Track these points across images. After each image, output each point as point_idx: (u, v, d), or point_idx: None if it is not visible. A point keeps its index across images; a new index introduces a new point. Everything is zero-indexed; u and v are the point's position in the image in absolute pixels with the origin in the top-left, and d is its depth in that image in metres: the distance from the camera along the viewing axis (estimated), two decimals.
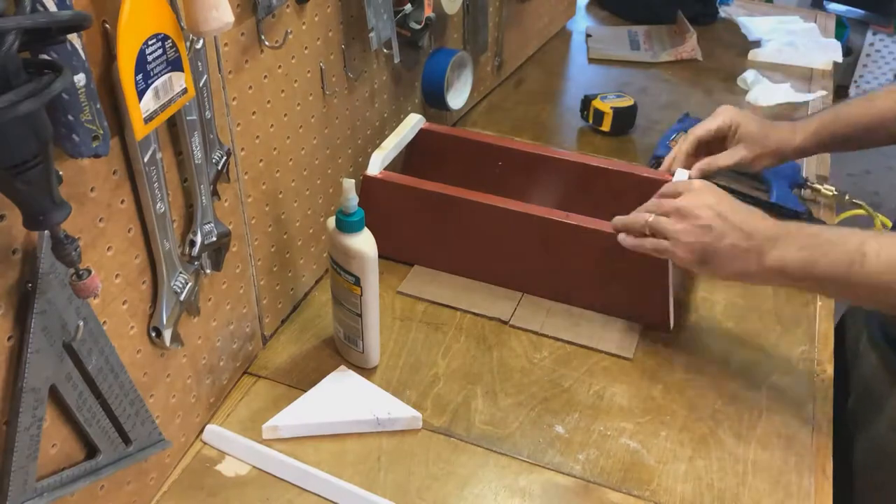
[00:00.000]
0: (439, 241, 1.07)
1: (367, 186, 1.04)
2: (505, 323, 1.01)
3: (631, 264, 0.94)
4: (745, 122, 1.04)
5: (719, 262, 0.80)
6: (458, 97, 1.30)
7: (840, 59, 1.75)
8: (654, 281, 0.96)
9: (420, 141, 1.15)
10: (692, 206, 0.82)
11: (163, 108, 0.63)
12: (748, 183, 1.22)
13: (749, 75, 1.63)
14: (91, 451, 0.69)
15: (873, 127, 1.02)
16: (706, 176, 1.04)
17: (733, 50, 1.78)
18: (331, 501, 0.79)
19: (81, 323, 0.62)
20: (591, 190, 1.09)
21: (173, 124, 0.71)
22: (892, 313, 0.84)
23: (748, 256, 0.79)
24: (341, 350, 0.96)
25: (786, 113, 1.51)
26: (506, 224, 1.01)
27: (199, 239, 0.77)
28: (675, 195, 0.85)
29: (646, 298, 0.99)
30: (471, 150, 1.16)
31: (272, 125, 0.88)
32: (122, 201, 0.67)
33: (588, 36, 1.84)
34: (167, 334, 0.74)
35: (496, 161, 1.14)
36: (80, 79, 0.53)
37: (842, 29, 3.35)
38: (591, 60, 1.76)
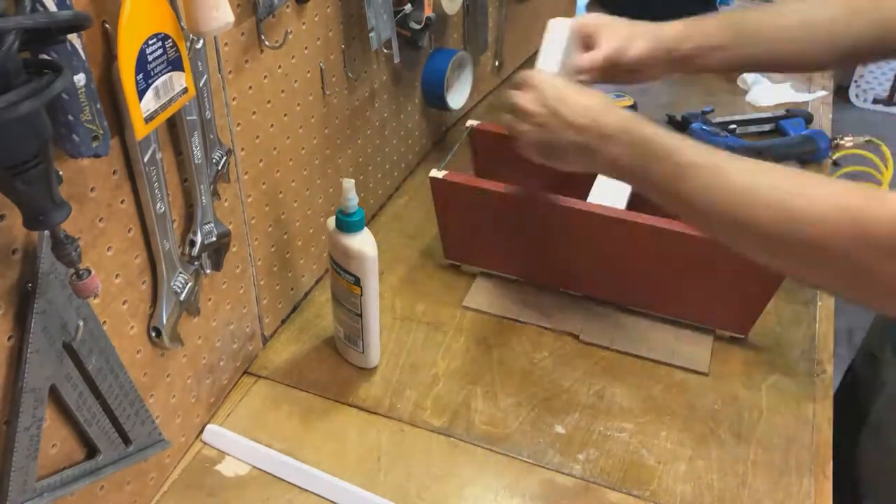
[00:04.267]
0: (507, 246, 1.03)
1: (434, 188, 1.01)
2: (576, 337, 0.99)
3: (736, 272, 0.90)
4: (606, 20, 0.91)
5: (562, 157, 0.79)
6: (458, 97, 1.30)
7: None
8: (760, 289, 0.92)
9: (472, 142, 1.12)
10: (526, 102, 0.79)
11: (163, 107, 0.63)
12: None
13: (749, 75, 1.62)
14: (91, 451, 0.69)
15: (762, 38, 0.89)
16: (604, 71, 0.91)
17: None
18: (330, 501, 0.79)
19: (81, 323, 0.62)
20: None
21: (173, 124, 0.71)
22: (714, 236, 0.75)
23: (586, 152, 0.76)
24: (341, 350, 0.96)
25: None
26: (587, 228, 0.96)
27: (199, 239, 0.77)
28: (518, 87, 0.81)
29: (737, 305, 0.96)
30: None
31: (272, 125, 0.88)
32: (122, 201, 0.67)
33: None
34: (167, 334, 0.74)
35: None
36: (80, 79, 0.53)
37: None
38: None
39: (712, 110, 1.45)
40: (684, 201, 0.70)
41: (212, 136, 0.76)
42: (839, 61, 0.92)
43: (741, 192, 0.66)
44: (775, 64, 0.95)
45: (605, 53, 0.88)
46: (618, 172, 0.76)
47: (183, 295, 0.75)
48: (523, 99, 0.80)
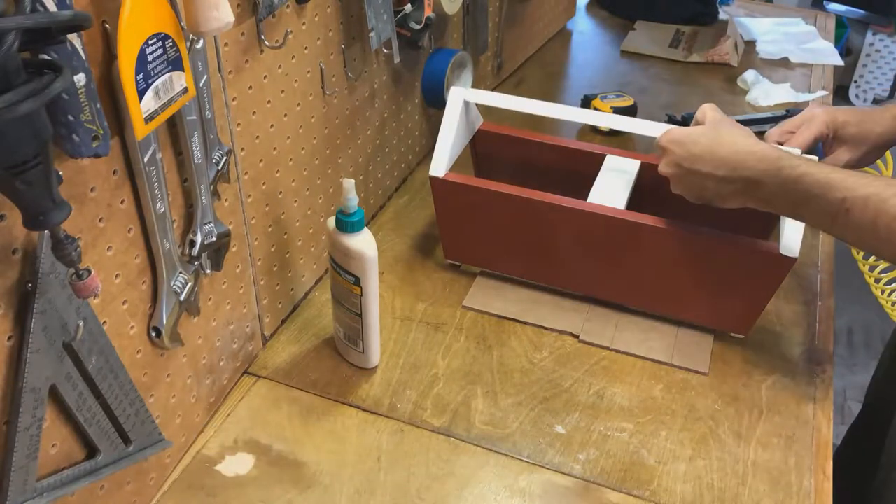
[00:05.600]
0: (507, 246, 1.03)
1: (435, 188, 1.01)
2: (576, 337, 0.99)
3: (736, 272, 0.92)
4: (843, 121, 0.97)
5: (717, 201, 0.85)
6: None
7: (840, 63, 1.76)
8: (760, 289, 0.92)
9: (472, 142, 1.12)
10: (663, 167, 0.88)
11: (163, 107, 0.63)
12: None
13: (749, 75, 1.63)
14: (91, 451, 0.69)
15: None
16: None
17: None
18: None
19: (81, 323, 0.62)
20: (658, 190, 1.02)
21: (173, 124, 0.71)
22: (878, 256, 0.83)
23: (736, 197, 0.83)
24: (341, 350, 0.96)
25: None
26: (588, 228, 0.96)
27: (199, 239, 0.77)
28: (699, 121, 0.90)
29: (737, 305, 0.95)
30: (524, 150, 1.12)
31: (272, 125, 0.88)
32: (122, 201, 0.67)
33: (633, 29, 1.85)
34: (167, 334, 0.74)
35: (552, 161, 1.10)
36: (80, 79, 0.53)
37: (842, 29, 3.35)
38: (623, 53, 1.77)
39: None
40: (845, 232, 0.76)
41: (212, 136, 0.76)
42: None
43: None
44: None
45: (842, 161, 0.96)
46: (772, 209, 0.82)
47: (183, 295, 0.75)
48: (661, 166, 0.88)
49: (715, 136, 0.84)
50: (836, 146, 0.98)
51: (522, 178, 1.03)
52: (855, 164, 0.98)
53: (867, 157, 0.98)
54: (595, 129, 1.44)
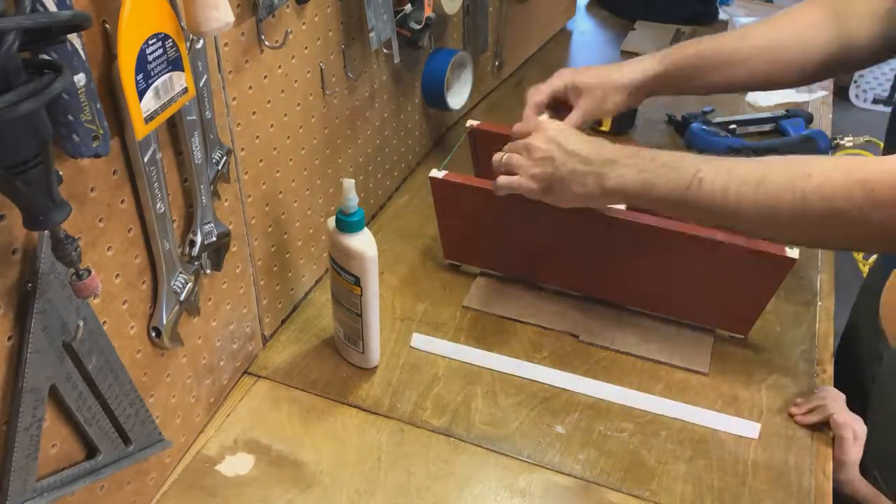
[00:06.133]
0: (507, 246, 1.03)
1: (435, 188, 1.01)
2: (576, 337, 0.99)
3: (736, 272, 0.92)
4: (581, 74, 1.01)
5: (562, 187, 0.86)
6: (458, 97, 1.30)
7: None
8: (760, 289, 0.92)
9: (472, 142, 1.12)
10: (536, 141, 0.88)
11: (163, 107, 0.63)
12: None
13: None
14: (91, 451, 0.69)
15: (734, 61, 0.96)
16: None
17: None
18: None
19: (81, 323, 0.62)
20: None
21: (173, 124, 0.71)
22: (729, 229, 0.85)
23: (588, 180, 0.84)
24: (341, 350, 0.96)
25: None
26: (588, 228, 0.95)
27: (199, 239, 0.77)
28: (525, 135, 0.90)
29: (737, 305, 0.96)
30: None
31: (272, 125, 0.88)
32: (122, 201, 0.67)
33: (633, 29, 1.85)
34: (167, 334, 0.74)
35: None
36: (80, 79, 0.53)
37: None
38: (623, 53, 1.77)
39: (712, 110, 1.46)
40: (698, 204, 0.77)
41: (212, 136, 0.76)
42: (807, 79, 0.98)
43: (758, 184, 0.73)
44: (747, 85, 1.01)
45: (582, 116, 0.98)
46: (622, 193, 0.83)
47: (183, 295, 0.75)
48: (532, 139, 0.89)
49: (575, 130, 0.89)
50: (578, 100, 0.99)
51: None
52: (599, 111, 0.99)
53: (607, 99, 0.99)
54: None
